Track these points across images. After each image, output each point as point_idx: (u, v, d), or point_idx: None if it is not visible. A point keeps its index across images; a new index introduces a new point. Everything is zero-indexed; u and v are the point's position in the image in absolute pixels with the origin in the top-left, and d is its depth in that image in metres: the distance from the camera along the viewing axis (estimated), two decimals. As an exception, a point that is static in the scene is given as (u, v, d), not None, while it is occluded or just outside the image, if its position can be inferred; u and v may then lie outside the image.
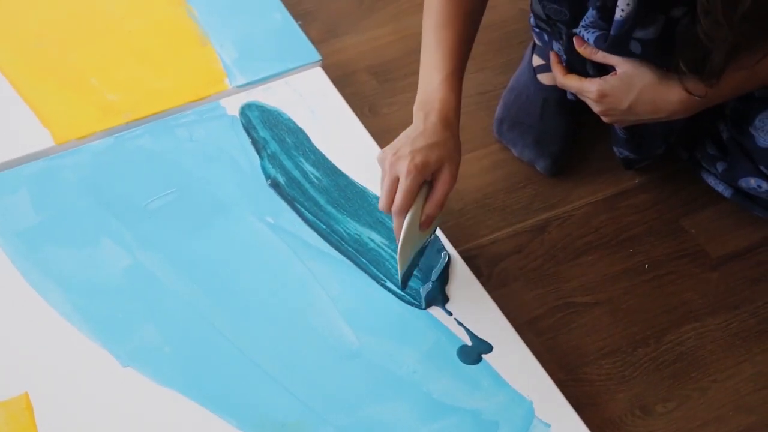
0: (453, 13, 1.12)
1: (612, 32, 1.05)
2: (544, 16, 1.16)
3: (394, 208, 1.05)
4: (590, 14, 1.07)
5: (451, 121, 1.08)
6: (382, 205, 1.06)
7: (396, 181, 1.05)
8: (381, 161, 1.06)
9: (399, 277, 1.09)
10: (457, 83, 1.11)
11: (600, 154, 1.32)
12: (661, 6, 1.02)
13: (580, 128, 1.31)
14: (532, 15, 1.20)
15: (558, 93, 1.28)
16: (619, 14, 1.02)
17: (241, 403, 1.03)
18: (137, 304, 1.10)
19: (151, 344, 1.07)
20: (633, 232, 1.25)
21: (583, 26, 1.10)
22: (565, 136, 1.29)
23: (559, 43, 1.18)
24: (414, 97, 1.36)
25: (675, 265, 1.22)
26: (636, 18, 1.01)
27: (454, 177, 1.07)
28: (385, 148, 1.06)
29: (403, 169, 1.03)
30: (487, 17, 1.48)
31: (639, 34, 1.04)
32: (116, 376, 1.04)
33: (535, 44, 1.31)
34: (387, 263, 1.14)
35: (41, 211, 1.17)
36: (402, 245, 1.06)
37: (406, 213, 1.04)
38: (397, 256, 1.07)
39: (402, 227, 1.05)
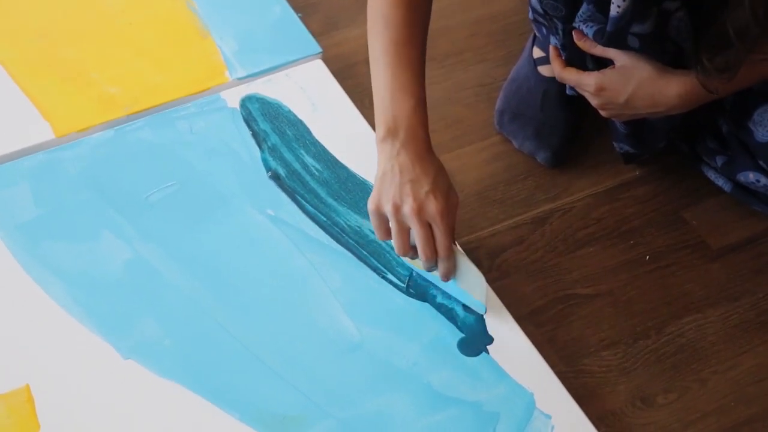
0: (415, 29, 1.06)
1: (608, 28, 1.04)
2: (541, 11, 1.16)
3: (444, 254, 1.02)
4: (585, 9, 1.07)
5: (430, 145, 1.04)
6: (400, 250, 1.04)
7: (406, 231, 1.02)
8: (377, 213, 1.03)
9: (485, 310, 1.09)
10: (425, 106, 1.05)
11: (601, 146, 1.32)
12: None
13: (580, 120, 1.31)
14: (530, 9, 1.20)
15: (558, 85, 1.28)
16: (615, 11, 1.01)
17: (242, 396, 1.03)
18: (138, 296, 1.10)
19: (151, 337, 1.07)
20: (634, 224, 1.25)
21: (581, 20, 1.10)
22: (566, 127, 1.29)
23: (556, 38, 1.18)
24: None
25: (676, 257, 1.22)
26: (632, 13, 1.01)
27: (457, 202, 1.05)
28: (378, 197, 1.02)
29: (430, 215, 1.00)
30: (488, 9, 1.49)
31: (636, 28, 1.04)
32: (117, 369, 1.04)
33: (535, 36, 1.31)
34: (387, 255, 1.14)
35: (42, 204, 1.17)
36: (467, 281, 1.06)
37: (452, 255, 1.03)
38: (477, 295, 1.07)
39: (454, 267, 1.04)
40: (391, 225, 1.03)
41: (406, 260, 1.11)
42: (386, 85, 1.03)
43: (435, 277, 1.08)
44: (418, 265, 1.08)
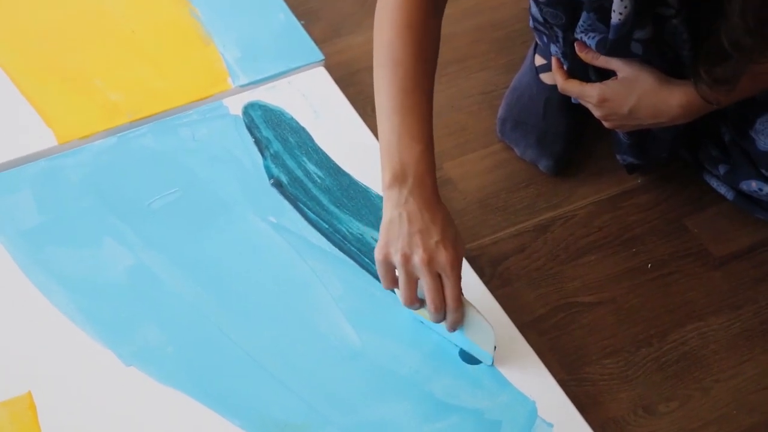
0: (424, 74, 1.04)
1: (610, 36, 1.04)
2: (541, 20, 1.16)
3: (453, 306, 1.01)
4: (585, 18, 1.07)
5: (437, 193, 1.03)
6: (408, 301, 1.03)
7: (415, 281, 1.01)
8: (385, 262, 1.01)
9: (492, 361, 1.07)
10: (433, 152, 1.04)
11: (603, 154, 1.32)
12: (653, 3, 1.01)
13: (582, 128, 1.31)
14: (530, 17, 1.20)
15: (560, 93, 1.28)
16: (616, 18, 1.01)
17: (244, 403, 1.03)
18: (140, 303, 1.10)
19: (154, 344, 1.07)
20: (636, 232, 1.25)
21: (581, 31, 1.10)
22: (568, 135, 1.29)
23: (557, 46, 1.18)
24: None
25: (678, 265, 1.22)
26: (634, 20, 1.01)
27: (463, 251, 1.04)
28: (386, 246, 1.01)
29: (441, 266, 0.99)
30: (491, 17, 1.49)
31: (638, 34, 1.04)
32: (119, 376, 1.04)
33: (537, 44, 1.31)
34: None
35: (44, 211, 1.17)
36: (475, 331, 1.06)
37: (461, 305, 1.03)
38: (484, 346, 1.06)
39: (462, 317, 1.04)
40: (399, 275, 1.02)
41: (415, 313, 1.09)
42: (393, 130, 1.02)
43: (441, 327, 1.06)
44: (424, 315, 1.07)
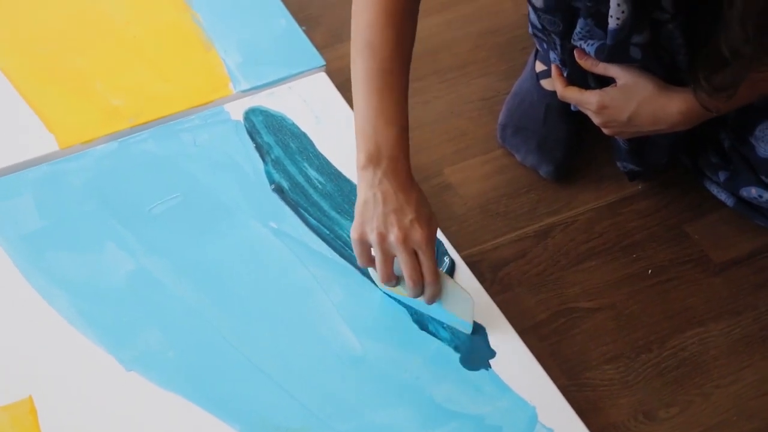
0: (400, 56, 1.06)
1: (609, 41, 1.05)
2: (540, 26, 1.16)
3: (430, 279, 1.03)
4: (582, 25, 1.07)
5: (411, 173, 1.05)
6: (386, 278, 1.05)
7: (392, 259, 1.04)
8: (361, 241, 1.03)
9: (471, 329, 1.09)
10: (408, 135, 1.05)
11: (603, 160, 1.32)
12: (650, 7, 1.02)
13: (583, 134, 1.32)
14: (529, 24, 1.20)
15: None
16: (614, 23, 1.02)
17: (244, 408, 1.03)
18: (141, 308, 1.10)
19: (155, 349, 1.07)
20: (636, 238, 1.25)
21: (580, 38, 1.10)
22: (569, 141, 1.29)
23: (555, 53, 1.18)
24: (418, 102, 1.37)
25: (678, 271, 1.22)
26: (632, 24, 1.01)
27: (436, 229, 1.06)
28: (362, 226, 1.03)
29: (416, 243, 1.02)
30: (491, 23, 1.49)
31: (636, 39, 1.04)
32: (120, 381, 1.05)
33: (537, 50, 1.31)
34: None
35: (46, 216, 1.17)
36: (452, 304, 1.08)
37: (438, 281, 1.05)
38: (463, 315, 1.08)
39: (439, 290, 1.06)
40: (375, 253, 1.04)
41: (388, 289, 1.11)
42: (369, 112, 1.04)
43: (417, 302, 1.09)
44: (400, 292, 1.09)
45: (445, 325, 1.10)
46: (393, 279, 1.06)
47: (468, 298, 1.06)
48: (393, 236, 1.01)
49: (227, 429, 1.02)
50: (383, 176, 1.02)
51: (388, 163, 1.03)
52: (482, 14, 1.50)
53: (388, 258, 1.04)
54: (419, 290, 1.05)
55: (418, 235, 1.02)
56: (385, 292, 1.12)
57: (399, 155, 1.03)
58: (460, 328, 1.10)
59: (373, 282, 1.13)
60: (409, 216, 1.02)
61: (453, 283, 1.07)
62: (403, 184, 1.03)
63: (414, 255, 1.03)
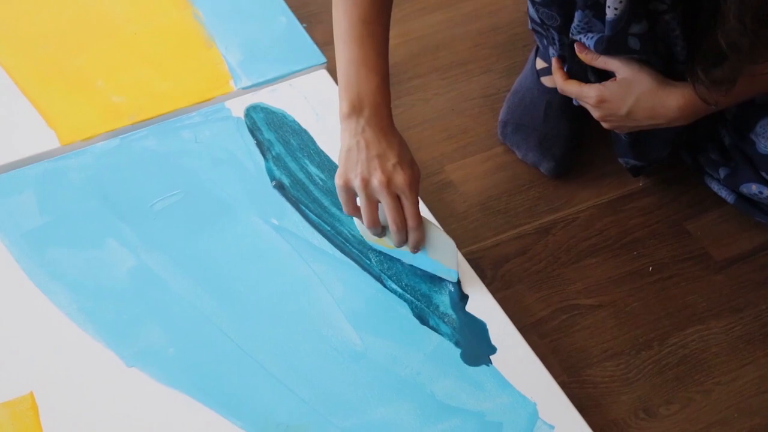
0: (381, 7, 1.07)
1: (607, 32, 1.05)
2: (538, 21, 1.16)
3: (413, 224, 1.05)
4: (579, 17, 1.07)
5: (392, 121, 1.07)
6: (371, 222, 1.06)
7: (375, 204, 1.05)
8: (345, 188, 1.05)
9: (457, 277, 1.11)
10: (388, 83, 1.08)
11: (604, 157, 1.32)
12: None
13: (583, 131, 1.32)
14: (528, 19, 1.20)
15: (561, 96, 1.28)
16: (612, 14, 1.02)
17: (245, 404, 1.03)
18: (142, 304, 1.10)
19: (155, 345, 1.07)
20: (637, 235, 1.25)
21: (578, 32, 1.10)
22: (569, 138, 1.29)
23: (554, 48, 1.18)
24: (419, 99, 1.37)
25: (679, 268, 1.22)
26: (630, 14, 1.01)
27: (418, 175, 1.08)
28: (345, 172, 1.04)
29: (399, 187, 1.03)
30: (492, 20, 1.49)
31: (634, 28, 1.04)
32: (121, 377, 1.05)
33: (538, 47, 1.31)
34: (393, 263, 1.14)
35: (47, 212, 1.17)
36: (436, 251, 1.09)
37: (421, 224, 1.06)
38: (447, 263, 1.09)
39: (423, 237, 1.07)
40: (359, 199, 1.06)
41: (373, 242, 1.13)
42: (351, 62, 1.06)
43: (403, 253, 1.11)
44: (385, 244, 1.11)
45: (446, 320, 1.10)
46: (378, 224, 1.07)
47: (450, 242, 1.08)
48: (376, 180, 1.03)
49: (228, 425, 1.02)
50: (366, 124, 1.04)
51: (371, 111, 1.04)
52: (483, 12, 1.50)
53: (372, 203, 1.05)
54: (403, 235, 1.06)
55: (400, 178, 1.03)
56: (371, 246, 1.14)
57: (381, 103, 1.05)
58: (446, 277, 1.11)
59: (360, 237, 1.15)
60: (392, 160, 1.04)
61: (436, 228, 1.09)
62: (385, 130, 1.05)
63: (397, 199, 1.04)
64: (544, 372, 1.08)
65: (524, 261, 1.22)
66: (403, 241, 1.07)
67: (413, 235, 1.06)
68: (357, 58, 1.05)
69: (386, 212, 1.05)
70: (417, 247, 1.08)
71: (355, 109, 1.04)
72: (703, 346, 1.15)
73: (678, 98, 1.09)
